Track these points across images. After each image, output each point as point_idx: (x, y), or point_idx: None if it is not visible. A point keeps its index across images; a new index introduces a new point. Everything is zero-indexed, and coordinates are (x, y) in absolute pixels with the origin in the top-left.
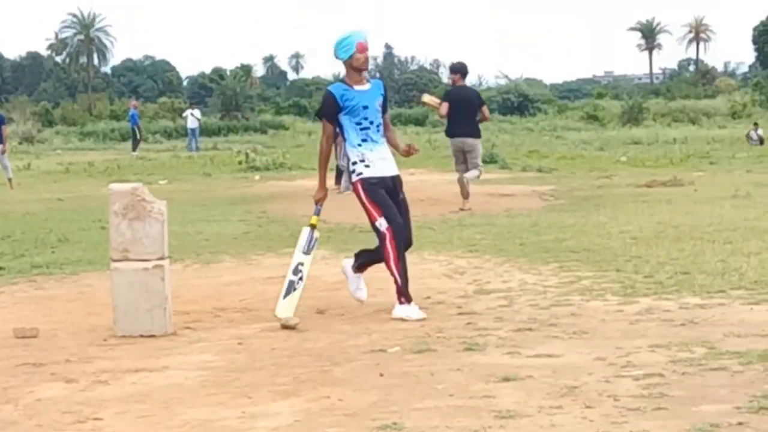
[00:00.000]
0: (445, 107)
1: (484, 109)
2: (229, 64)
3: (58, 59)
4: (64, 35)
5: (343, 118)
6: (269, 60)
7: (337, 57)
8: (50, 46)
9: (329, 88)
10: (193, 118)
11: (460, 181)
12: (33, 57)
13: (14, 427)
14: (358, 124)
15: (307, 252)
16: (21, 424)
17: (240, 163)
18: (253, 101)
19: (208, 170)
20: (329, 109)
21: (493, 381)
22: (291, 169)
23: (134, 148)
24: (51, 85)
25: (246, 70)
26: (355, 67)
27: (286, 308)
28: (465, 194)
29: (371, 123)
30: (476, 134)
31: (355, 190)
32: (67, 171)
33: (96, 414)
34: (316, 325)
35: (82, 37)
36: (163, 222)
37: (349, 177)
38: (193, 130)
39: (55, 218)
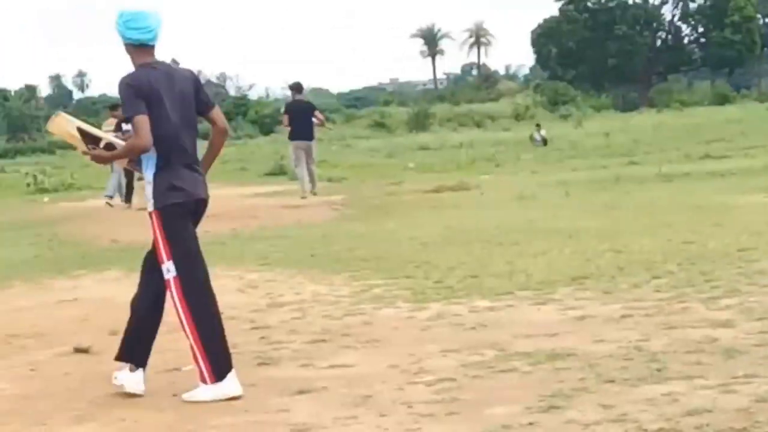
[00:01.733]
0: (286, 118)
1: (317, 113)
2: (14, 85)
3: None
4: None
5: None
6: (56, 79)
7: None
8: None
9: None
10: None
11: (303, 178)
12: None
13: None
14: None
15: None
16: None
17: (28, 185)
18: (40, 121)
19: None
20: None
21: (288, 394)
22: (80, 189)
23: None
24: None
25: (31, 90)
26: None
27: None
28: (310, 185)
29: None
30: (313, 137)
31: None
32: None
33: None
34: (110, 348)
35: None
36: None
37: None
38: None
39: None
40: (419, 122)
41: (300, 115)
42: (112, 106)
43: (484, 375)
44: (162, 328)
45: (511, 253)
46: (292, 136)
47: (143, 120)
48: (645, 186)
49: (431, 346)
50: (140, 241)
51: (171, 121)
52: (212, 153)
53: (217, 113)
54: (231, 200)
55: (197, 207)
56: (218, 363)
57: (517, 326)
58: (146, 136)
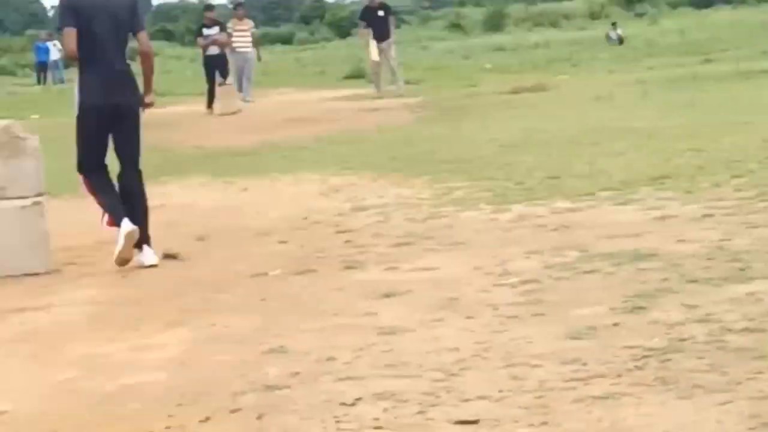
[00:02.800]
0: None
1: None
2: None
3: None
4: None
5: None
6: None
7: None
8: None
9: None
10: (55, 49)
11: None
12: None
13: None
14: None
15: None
16: None
17: None
18: None
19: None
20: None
21: (375, 298)
22: (163, 95)
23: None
24: None
25: None
26: None
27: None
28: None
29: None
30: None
31: None
32: None
33: None
34: (198, 253)
35: None
36: (38, 158)
37: None
38: (56, 61)
39: None
40: (495, 23)
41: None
42: (207, 7)
43: (568, 276)
44: (247, 233)
45: (591, 153)
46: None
47: (69, 32)
48: (723, 84)
49: (514, 247)
50: (223, 146)
51: (96, 36)
52: (144, 72)
53: (142, 36)
54: (310, 104)
55: (114, 111)
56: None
57: (599, 227)
58: (68, 45)
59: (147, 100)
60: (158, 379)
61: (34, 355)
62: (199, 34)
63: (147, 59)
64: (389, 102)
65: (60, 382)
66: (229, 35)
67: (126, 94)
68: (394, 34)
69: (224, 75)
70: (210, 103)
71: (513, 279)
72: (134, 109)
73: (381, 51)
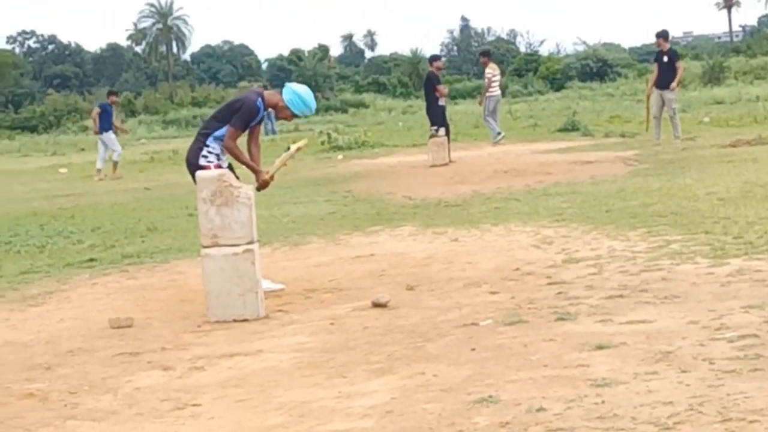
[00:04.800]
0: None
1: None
2: (307, 45)
3: (138, 49)
4: (143, 25)
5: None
6: (347, 39)
7: (291, 103)
8: (130, 37)
9: (259, 104)
10: None
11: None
12: (113, 48)
13: (115, 416)
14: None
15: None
16: (121, 413)
17: (323, 143)
18: (332, 81)
19: None
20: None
21: (587, 349)
22: (373, 147)
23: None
24: (132, 75)
25: (324, 50)
26: (280, 117)
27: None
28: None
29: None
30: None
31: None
32: (152, 160)
33: (194, 400)
34: (407, 302)
35: (160, 26)
36: (250, 206)
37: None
38: (268, 113)
39: (143, 207)
40: (714, 75)
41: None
42: (484, 53)
43: None
44: (457, 283)
45: None
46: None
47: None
48: None
49: (732, 301)
50: (433, 197)
51: None
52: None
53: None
54: (523, 157)
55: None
56: None
57: None
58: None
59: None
60: (366, 426)
61: (244, 400)
62: (438, 82)
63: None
64: (604, 155)
65: (269, 426)
66: (488, 80)
67: None
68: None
69: (443, 126)
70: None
71: (730, 333)
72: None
73: (661, 97)
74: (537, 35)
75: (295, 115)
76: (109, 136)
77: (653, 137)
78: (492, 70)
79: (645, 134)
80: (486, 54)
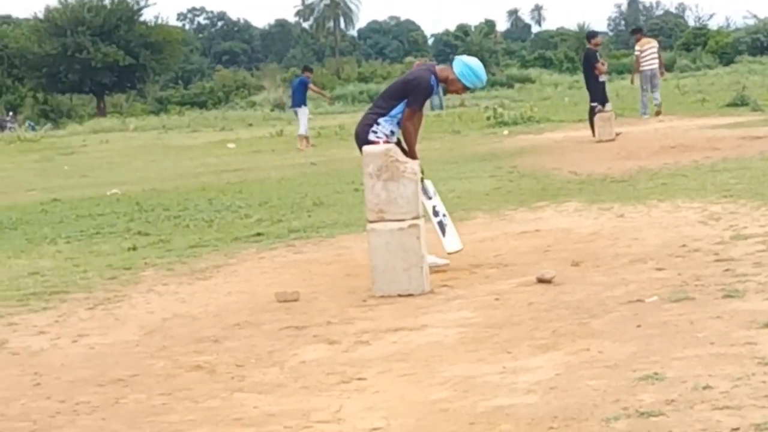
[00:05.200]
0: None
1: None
2: (473, 20)
3: (306, 25)
4: (310, 1)
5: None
6: (513, 13)
7: (464, 79)
8: (297, 13)
9: (433, 81)
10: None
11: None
12: (281, 24)
13: (281, 389)
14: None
15: (431, 197)
16: (287, 386)
17: (488, 118)
18: (498, 56)
19: (456, 127)
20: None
21: (755, 327)
22: (539, 122)
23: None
24: (299, 51)
25: (490, 25)
26: (452, 91)
27: (452, 241)
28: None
29: None
30: None
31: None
32: (319, 135)
33: (359, 374)
34: (572, 278)
35: (327, 1)
36: (416, 182)
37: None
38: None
39: (309, 182)
40: None
41: None
42: (635, 30)
43: None
44: (623, 259)
45: None
46: None
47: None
48: None
49: None
50: (599, 173)
51: None
52: None
53: None
54: (691, 132)
55: None
56: None
57: None
58: None
59: None
60: (530, 401)
61: (408, 374)
62: (596, 60)
63: None
64: None
65: (433, 401)
66: (636, 57)
67: None
68: None
69: (604, 102)
70: (592, 129)
71: None
72: None
73: None
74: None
75: (466, 88)
76: (304, 110)
77: None
78: (640, 47)
79: None
80: (636, 31)
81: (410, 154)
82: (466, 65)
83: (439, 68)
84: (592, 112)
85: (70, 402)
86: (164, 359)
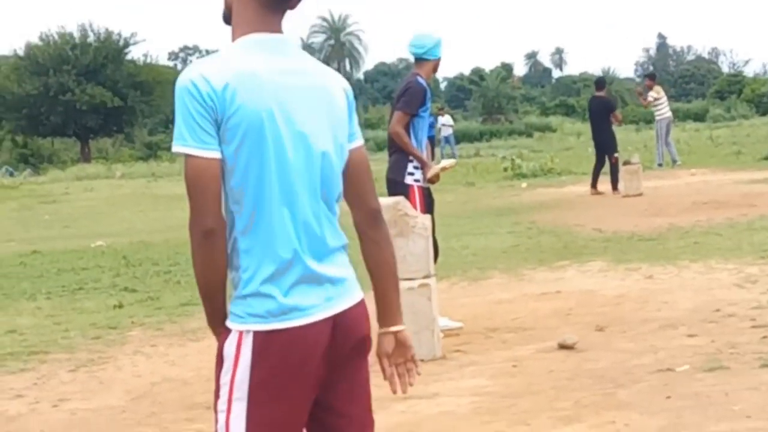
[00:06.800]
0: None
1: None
2: (489, 64)
3: None
4: (313, 40)
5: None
6: (531, 57)
7: (426, 54)
8: None
9: (420, 80)
10: (446, 126)
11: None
12: None
13: None
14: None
15: None
16: None
17: (505, 170)
18: (516, 102)
19: (471, 179)
20: (420, 102)
21: None
22: (560, 174)
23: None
24: None
25: (507, 69)
26: (436, 69)
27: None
28: None
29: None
30: None
31: (411, 194)
32: None
33: None
34: (597, 344)
35: (332, 42)
36: (427, 238)
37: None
38: (447, 137)
39: None
40: None
41: None
42: (649, 75)
43: None
44: (651, 324)
45: None
46: None
47: None
48: None
49: None
50: (625, 230)
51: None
52: None
53: None
54: (725, 187)
55: None
56: None
57: None
58: None
59: None
60: None
61: None
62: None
63: None
64: None
65: None
66: (649, 103)
67: None
68: None
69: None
70: (615, 184)
71: None
72: None
73: None
74: (741, 54)
75: (438, 59)
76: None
77: None
78: (656, 93)
79: None
80: (650, 77)
81: (413, 155)
82: (416, 46)
83: (416, 70)
84: (614, 164)
85: None
86: (153, 427)
